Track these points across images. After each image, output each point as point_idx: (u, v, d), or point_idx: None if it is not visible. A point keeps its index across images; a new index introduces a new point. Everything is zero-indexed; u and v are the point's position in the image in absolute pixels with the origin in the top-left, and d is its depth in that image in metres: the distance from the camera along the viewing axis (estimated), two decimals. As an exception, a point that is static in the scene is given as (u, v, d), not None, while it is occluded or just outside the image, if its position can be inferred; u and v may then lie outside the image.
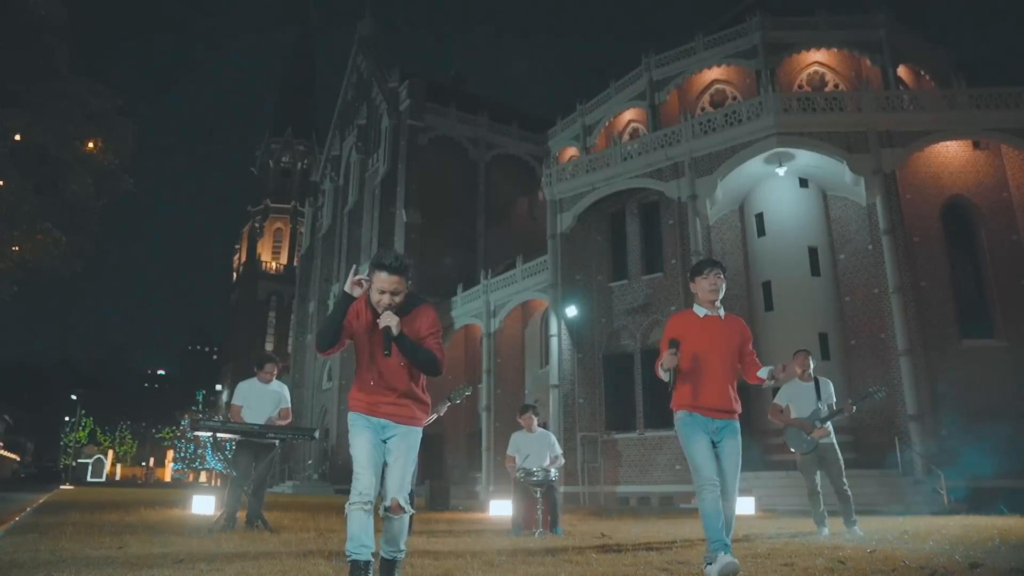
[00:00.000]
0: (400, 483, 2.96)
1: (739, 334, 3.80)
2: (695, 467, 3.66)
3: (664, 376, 3.71)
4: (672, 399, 3.80)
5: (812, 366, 6.95)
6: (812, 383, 6.83)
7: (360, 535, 2.86)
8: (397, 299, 2.95)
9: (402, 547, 3.03)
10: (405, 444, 3.04)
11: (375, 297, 2.97)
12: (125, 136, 16.67)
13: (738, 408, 3.75)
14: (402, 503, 2.92)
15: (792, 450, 6.88)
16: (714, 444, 3.69)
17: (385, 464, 3.04)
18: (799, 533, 6.48)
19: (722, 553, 3.43)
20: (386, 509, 2.94)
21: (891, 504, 13.93)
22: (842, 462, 6.76)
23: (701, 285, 3.83)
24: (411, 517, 2.96)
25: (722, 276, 3.81)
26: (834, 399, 6.86)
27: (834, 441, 6.79)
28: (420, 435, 3.14)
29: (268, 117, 75.60)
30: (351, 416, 3.08)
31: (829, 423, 6.71)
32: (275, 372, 7.04)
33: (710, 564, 3.45)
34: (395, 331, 2.87)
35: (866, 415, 16.61)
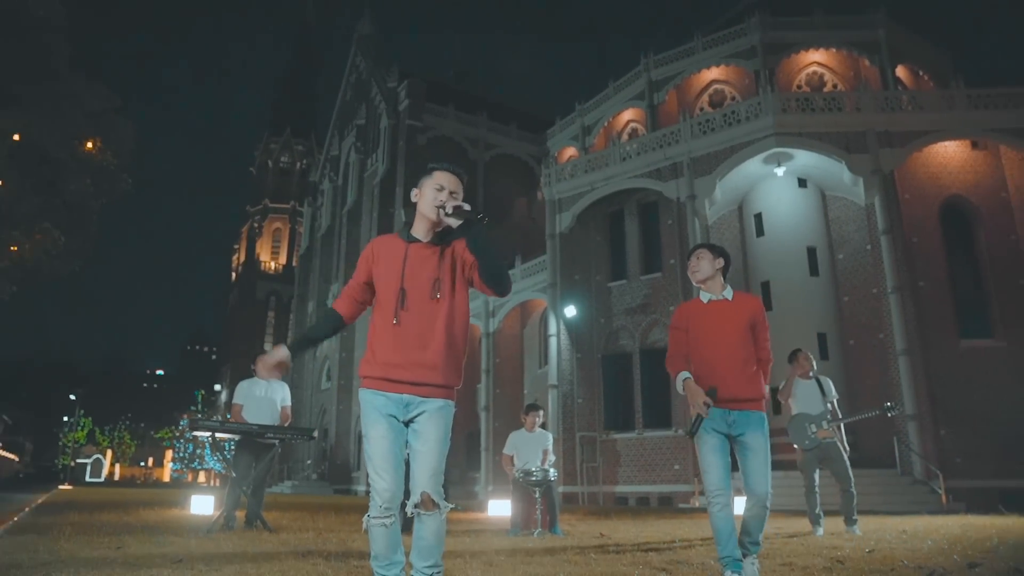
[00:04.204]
0: (432, 472, 2.39)
1: (748, 314, 3.46)
2: (702, 470, 3.39)
3: (679, 388, 3.45)
4: None
5: (814, 365, 6.97)
6: (814, 381, 6.82)
7: (387, 552, 2.37)
8: (458, 198, 2.49)
9: (440, 562, 2.40)
10: (438, 423, 2.43)
11: (430, 195, 2.49)
12: (124, 136, 16.70)
13: (758, 395, 3.39)
14: (435, 497, 2.37)
15: (794, 446, 6.84)
16: (733, 440, 3.37)
17: (410, 449, 2.45)
18: (797, 533, 6.48)
19: (729, 572, 3.20)
20: (415, 507, 2.37)
21: (889, 504, 13.94)
22: (848, 461, 6.72)
23: (696, 278, 3.61)
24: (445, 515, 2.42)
25: (706, 256, 3.54)
26: (835, 397, 6.85)
27: (837, 440, 6.75)
28: (453, 412, 2.50)
29: (267, 117, 75.61)
30: (365, 395, 2.47)
31: (832, 428, 6.70)
32: None
33: None
34: (473, 211, 2.39)
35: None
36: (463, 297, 2.52)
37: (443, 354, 2.44)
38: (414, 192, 2.56)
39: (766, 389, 3.49)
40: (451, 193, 2.49)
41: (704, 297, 3.56)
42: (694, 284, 3.62)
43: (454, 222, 2.43)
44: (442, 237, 2.53)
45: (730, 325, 3.42)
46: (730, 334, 3.40)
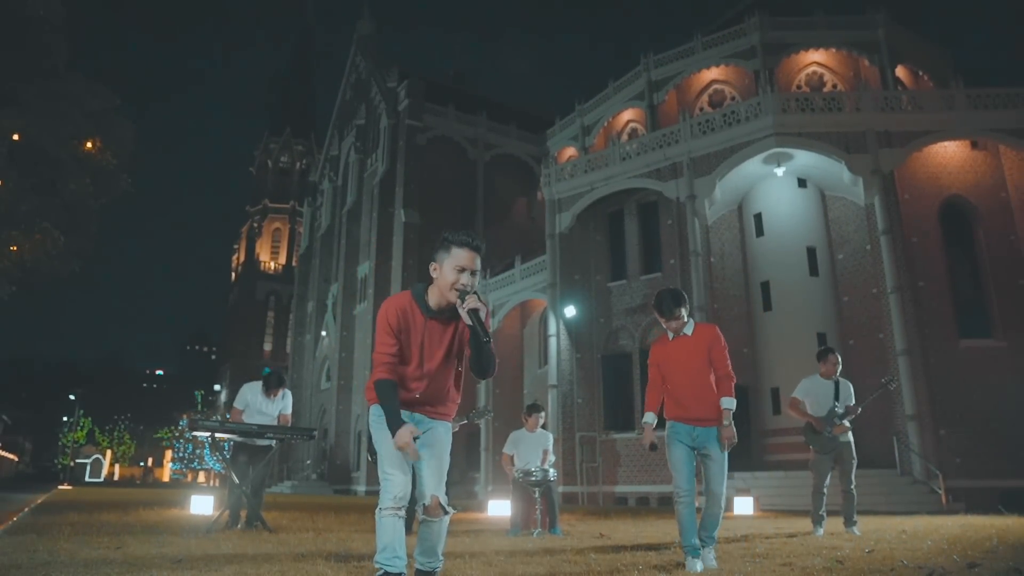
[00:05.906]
0: (439, 479, 2.68)
1: (705, 343, 4.09)
2: (672, 474, 4.09)
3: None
4: (664, 410, 4.26)
5: (840, 367, 6.95)
6: (832, 383, 6.81)
7: (393, 544, 2.58)
8: (475, 280, 2.68)
9: (441, 556, 2.71)
10: (441, 437, 2.76)
11: (451, 278, 2.65)
12: (123, 136, 16.69)
13: (717, 415, 4.04)
14: (442, 502, 2.64)
15: (810, 447, 6.83)
16: (699, 452, 4.06)
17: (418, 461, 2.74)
18: (797, 533, 6.48)
19: (690, 557, 3.86)
20: (424, 509, 2.64)
21: (889, 504, 13.94)
22: (855, 462, 6.75)
23: (666, 327, 4.17)
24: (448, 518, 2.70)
25: (683, 312, 4.08)
26: (852, 402, 6.80)
27: (851, 440, 6.79)
28: (451, 430, 2.90)
29: (267, 117, 75.60)
30: (377, 409, 2.73)
31: (846, 421, 6.70)
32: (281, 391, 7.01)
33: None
34: (483, 312, 2.58)
35: (864, 414, 16.63)
36: (463, 358, 2.88)
37: (451, 398, 2.86)
38: (433, 266, 2.73)
39: (732, 402, 4.05)
40: (472, 273, 2.68)
41: (670, 335, 4.20)
42: (668, 330, 4.18)
43: (466, 318, 2.62)
44: (454, 311, 2.73)
45: (692, 359, 4.08)
46: (692, 367, 4.07)
